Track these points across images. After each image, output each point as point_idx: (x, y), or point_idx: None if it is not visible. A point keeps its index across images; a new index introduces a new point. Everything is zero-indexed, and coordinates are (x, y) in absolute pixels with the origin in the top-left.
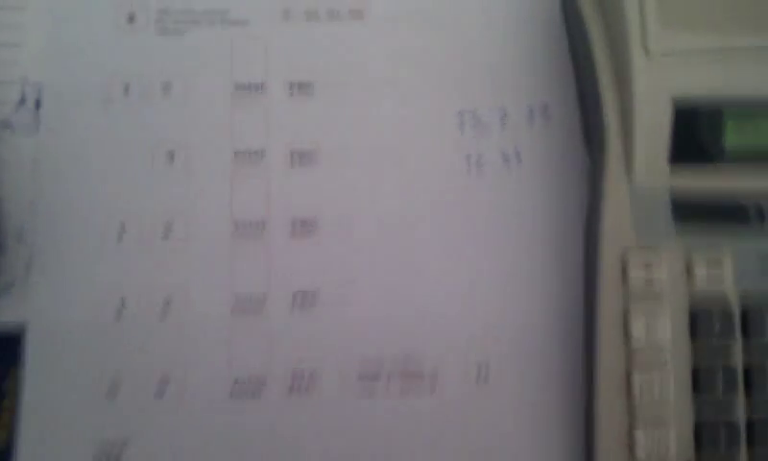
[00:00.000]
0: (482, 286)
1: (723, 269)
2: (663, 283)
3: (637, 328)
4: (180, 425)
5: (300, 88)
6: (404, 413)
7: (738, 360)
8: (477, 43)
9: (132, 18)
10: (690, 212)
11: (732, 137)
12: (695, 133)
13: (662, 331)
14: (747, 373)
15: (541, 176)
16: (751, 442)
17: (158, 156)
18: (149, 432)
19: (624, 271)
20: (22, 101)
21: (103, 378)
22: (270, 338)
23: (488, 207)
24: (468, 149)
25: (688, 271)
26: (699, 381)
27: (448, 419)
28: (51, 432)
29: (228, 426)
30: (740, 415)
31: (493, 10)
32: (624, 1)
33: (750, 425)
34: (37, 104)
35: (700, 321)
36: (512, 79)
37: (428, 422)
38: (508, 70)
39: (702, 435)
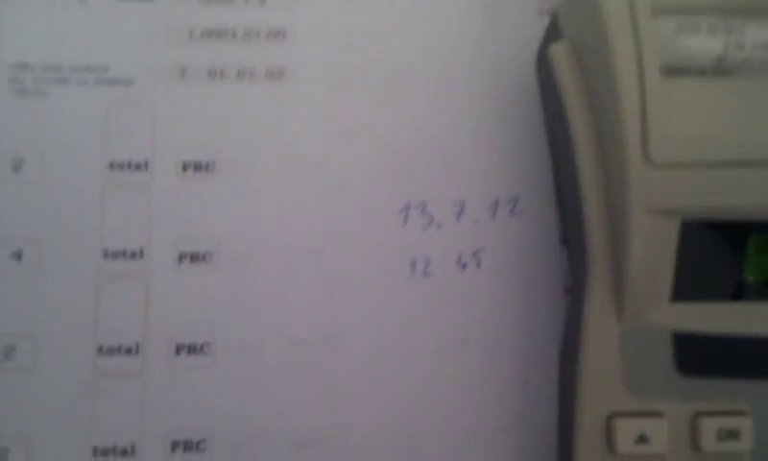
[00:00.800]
0: (425, 428)
1: (741, 437)
2: (663, 458)
3: None
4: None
5: (196, 169)
6: None
7: None
8: (433, 119)
9: None
10: (699, 363)
11: (755, 267)
12: (707, 262)
13: None
14: None
15: (505, 284)
16: None
17: (2, 255)
18: None
19: (610, 441)
20: None
21: None
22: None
23: (434, 324)
24: (413, 250)
25: (695, 440)
26: None
27: None
28: None
29: None
30: None
31: (455, 77)
32: (621, 95)
33: None
34: None
35: None
36: (472, 164)
37: None
38: (468, 154)
39: None
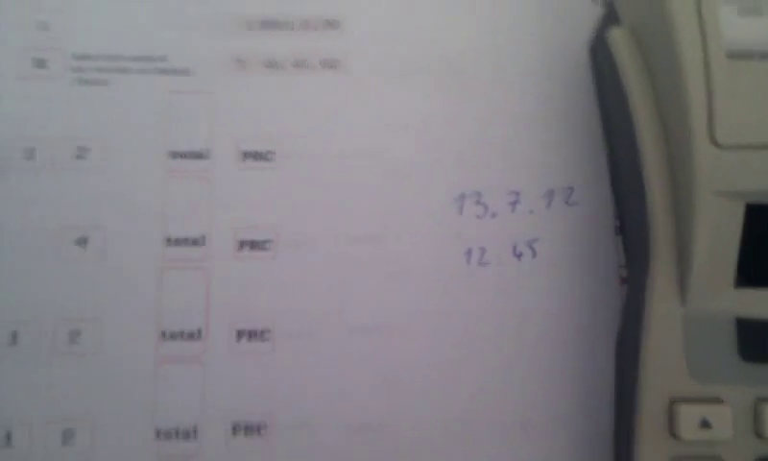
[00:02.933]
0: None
1: None
2: (724, 443)
3: None
4: None
5: (255, 159)
6: None
7: None
8: (487, 110)
9: (41, 64)
10: (762, 349)
11: None
12: None
13: None
14: None
15: (561, 274)
16: None
17: (68, 242)
18: None
19: (672, 426)
20: None
21: None
22: None
23: (490, 313)
24: (468, 239)
25: (758, 427)
26: None
27: None
28: None
29: None
30: None
31: (509, 67)
32: (686, 78)
33: None
34: None
35: None
36: (528, 154)
37: None
38: (522, 144)
39: None
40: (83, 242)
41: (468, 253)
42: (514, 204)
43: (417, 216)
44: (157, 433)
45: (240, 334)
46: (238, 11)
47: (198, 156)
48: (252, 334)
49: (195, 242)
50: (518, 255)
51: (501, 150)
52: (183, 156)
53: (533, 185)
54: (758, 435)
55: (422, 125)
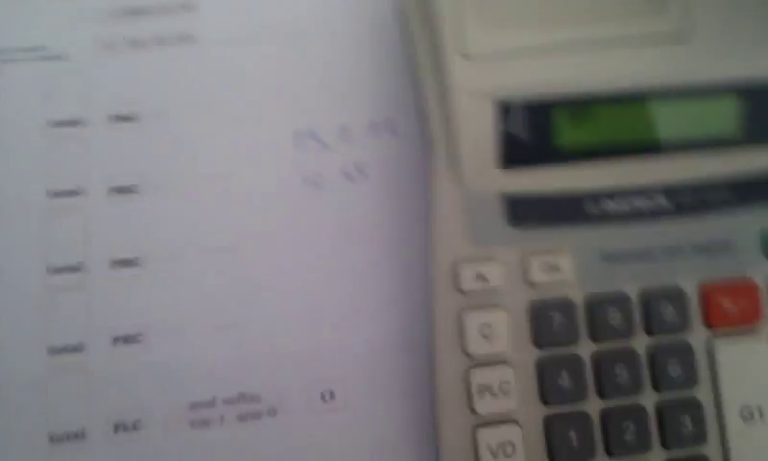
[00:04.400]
0: (328, 307)
1: (562, 269)
2: (499, 290)
3: (474, 340)
4: None
5: (122, 120)
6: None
7: (586, 362)
8: (314, 60)
9: None
10: (525, 215)
11: (562, 136)
12: (524, 135)
13: (500, 340)
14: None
15: (387, 190)
16: (605, 430)
17: None
18: None
19: (456, 281)
20: None
21: None
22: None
23: (329, 228)
24: (305, 169)
25: (526, 275)
26: (549, 388)
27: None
28: None
29: None
30: (595, 420)
31: (330, 24)
32: (438, 4)
33: (610, 432)
34: None
35: (541, 326)
36: (352, 94)
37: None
38: (347, 85)
39: (553, 430)
40: None
41: (305, 177)
42: (343, 136)
43: (260, 154)
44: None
45: (115, 263)
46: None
47: (73, 123)
48: (125, 262)
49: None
50: (348, 176)
51: (331, 92)
52: (61, 124)
53: (359, 119)
54: (528, 283)
55: (264, 79)
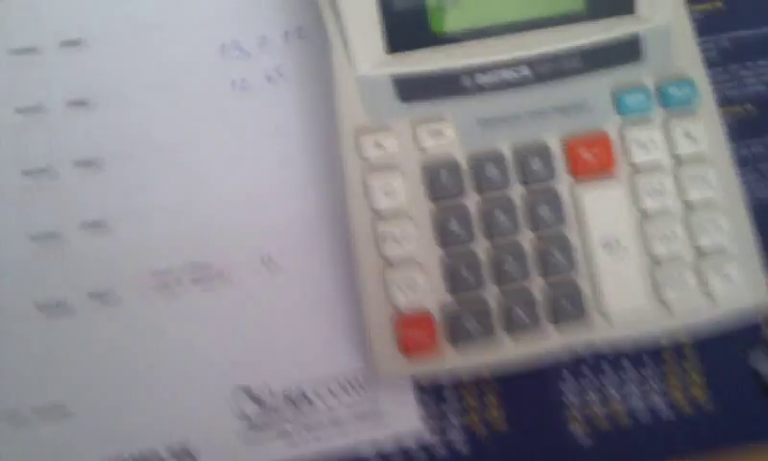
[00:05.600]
0: (262, 189)
1: (445, 134)
2: (395, 156)
3: (378, 198)
4: None
5: (71, 44)
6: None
7: (471, 210)
8: None
9: None
10: (412, 92)
11: (437, 23)
12: (405, 23)
13: (399, 196)
14: (485, 220)
15: (303, 87)
16: (492, 265)
17: None
18: None
19: (359, 150)
20: None
21: None
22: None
23: (257, 122)
24: (232, 74)
25: (417, 141)
26: (442, 233)
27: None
28: None
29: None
30: (482, 257)
31: None
32: None
33: (495, 265)
34: None
35: (433, 182)
36: (268, 8)
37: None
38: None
39: (453, 278)
40: None
41: (233, 83)
42: (261, 45)
43: (191, 67)
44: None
45: (78, 164)
46: None
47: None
48: (88, 163)
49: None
50: (269, 79)
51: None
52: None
53: (275, 29)
54: (419, 149)
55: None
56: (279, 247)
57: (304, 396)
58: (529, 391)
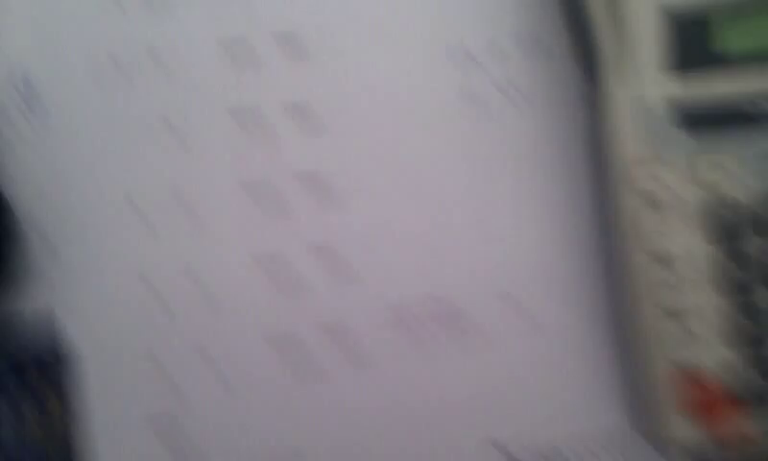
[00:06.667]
0: (499, 220)
1: (731, 170)
2: (672, 190)
3: (655, 239)
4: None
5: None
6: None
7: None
8: None
9: None
10: (693, 118)
11: (725, 41)
12: (689, 40)
13: (678, 237)
14: None
15: (544, 105)
16: None
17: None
18: None
19: (634, 182)
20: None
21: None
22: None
23: (490, 140)
24: (461, 84)
25: (696, 178)
26: (726, 280)
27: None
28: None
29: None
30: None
31: None
32: None
33: None
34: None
35: (712, 224)
36: (500, 10)
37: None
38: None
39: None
40: None
41: (461, 93)
42: (491, 51)
43: (415, 69)
44: None
45: None
46: None
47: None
48: None
49: None
50: (502, 91)
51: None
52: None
53: (507, 35)
54: (698, 184)
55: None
56: (527, 290)
57: (560, 454)
58: None
